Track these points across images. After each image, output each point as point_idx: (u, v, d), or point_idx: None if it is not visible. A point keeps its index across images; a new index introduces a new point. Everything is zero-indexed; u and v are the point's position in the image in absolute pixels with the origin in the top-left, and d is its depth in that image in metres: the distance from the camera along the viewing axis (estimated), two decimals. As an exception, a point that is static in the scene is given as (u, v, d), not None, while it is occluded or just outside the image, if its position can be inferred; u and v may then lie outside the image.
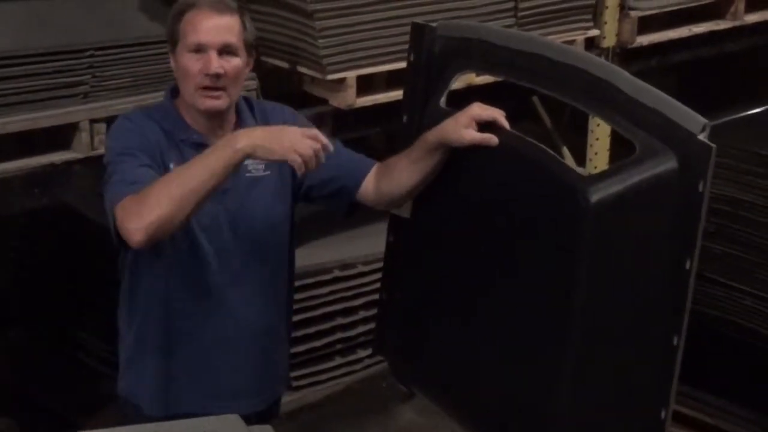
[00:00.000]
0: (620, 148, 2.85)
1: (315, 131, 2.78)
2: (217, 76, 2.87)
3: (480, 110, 2.90)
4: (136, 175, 2.79)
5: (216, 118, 2.96)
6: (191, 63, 2.88)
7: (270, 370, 3.15)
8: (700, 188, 2.56)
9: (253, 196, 2.98)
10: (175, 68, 2.95)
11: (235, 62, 2.91)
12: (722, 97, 5.08)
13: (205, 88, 2.88)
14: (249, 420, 2.63)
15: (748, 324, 4.09)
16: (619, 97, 2.74)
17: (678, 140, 2.61)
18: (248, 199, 2.97)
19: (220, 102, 2.91)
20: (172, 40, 2.94)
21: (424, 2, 4.11)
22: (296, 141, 2.72)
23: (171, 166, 2.89)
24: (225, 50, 2.89)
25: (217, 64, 2.87)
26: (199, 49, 2.88)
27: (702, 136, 2.56)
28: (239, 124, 3.00)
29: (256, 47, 3.05)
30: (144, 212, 2.70)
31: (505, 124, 2.89)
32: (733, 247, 4.12)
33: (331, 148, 2.80)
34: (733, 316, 4.12)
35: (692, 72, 5.70)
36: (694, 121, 2.59)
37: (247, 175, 2.97)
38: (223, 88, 2.89)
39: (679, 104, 2.65)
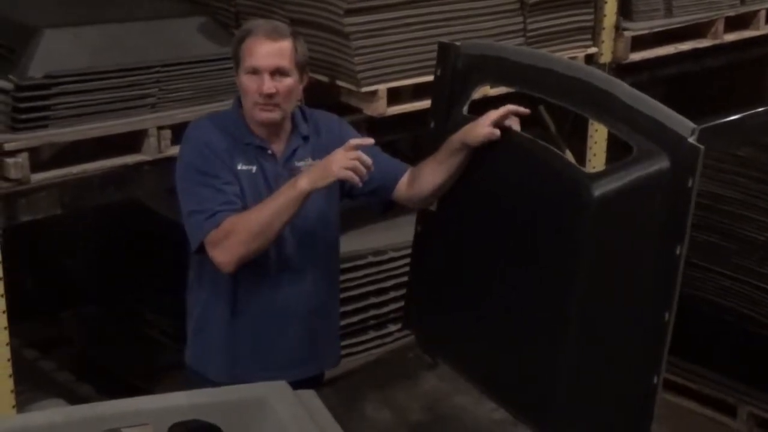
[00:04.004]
0: (615, 151, 2.84)
1: (351, 144, 2.83)
2: (270, 95, 2.89)
3: (496, 114, 2.92)
4: (217, 202, 2.87)
5: (273, 126, 2.98)
6: (249, 83, 2.92)
7: (319, 344, 3.17)
8: (690, 184, 2.55)
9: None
10: (238, 84, 2.97)
11: (287, 82, 2.92)
12: (704, 107, 5.06)
13: (260, 103, 2.91)
14: (298, 385, 2.67)
15: (725, 302, 4.08)
16: (618, 106, 2.74)
17: (670, 143, 2.61)
18: None
19: (273, 115, 2.93)
20: (236, 60, 2.96)
21: (444, 24, 4.08)
22: (340, 161, 2.79)
23: (239, 167, 2.94)
24: (277, 72, 2.91)
25: (270, 85, 2.89)
26: (255, 71, 2.90)
27: (692, 139, 2.56)
28: (294, 130, 3.03)
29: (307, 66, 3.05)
30: (231, 248, 2.84)
31: (521, 109, 2.91)
32: (713, 236, 4.11)
33: (369, 160, 2.83)
34: (712, 295, 4.11)
35: (678, 84, 5.67)
36: (685, 126, 2.59)
37: None
38: (276, 104, 2.92)
39: (671, 111, 2.64)
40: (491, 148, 2.91)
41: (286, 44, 2.94)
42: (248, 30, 2.97)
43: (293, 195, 2.83)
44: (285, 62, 2.93)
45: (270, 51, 2.91)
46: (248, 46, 2.93)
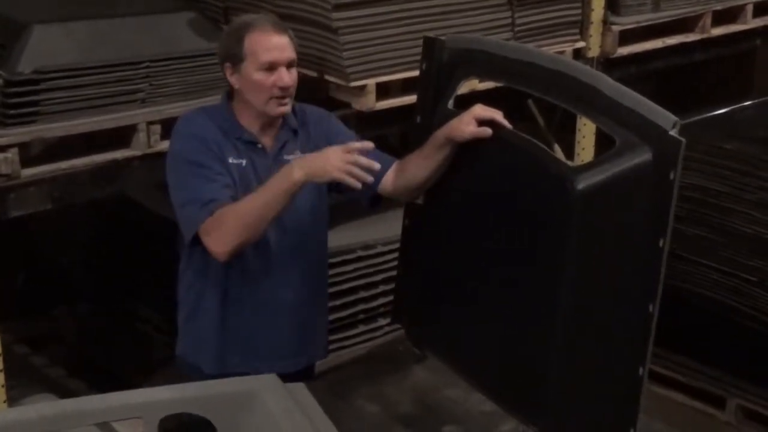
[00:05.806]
0: (604, 145, 2.85)
1: (351, 147, 2.84)
2: (286, 87, 2.92)
3: (481, 110, 2.92)
4: (210, 191, 2.87)
5: (268, 120, 3.00)
6: (264, 78, 2.91)
7: (309, 335, 3.19)
8: (671, 177, 2.56)
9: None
10: (241, 81, 2.94)
11: (295, 73, 2.97)
12: (692, 100, 5.09)
13: (278, 97, 2.93)
14: (289, 377, 2.69)
15: (713, 295, 4.09)
16: (602, 100, 2.75)
17: (652, 136, 2.62)
18: None
19: (288, 107, 2.97)
20: (235, 57, 2.93)
21: (433, 19, 4.10)
22: (337, 163, 2.79)
23: (230, 159, 2.95)
24: (289, 64, 2.93)
25: (288, 78, 2.92)
26: (272, 66, 2.90)
27: (673, 132, 2.57)
28: (284, 124, 3.05)
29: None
30: (225, 239, 2.84)
31: (505, 122, 2.91)
32: (701, 228, 4.11)
33: (369, 145, 2.86)
34: (701, 288, 4.12)
35: (666, 78, 5.69)
36: (666, 119, 2.60)
37: None
38: (290, 96, 2.95)
39: (653, 104, 2.66)
40: (476, 142, 2.91)
41: (289, 36, 2.97)
42: (247, 25, 2.95)
43: (286, 186, 2.82)
44: (294, 54, 2.96)
45: (282, 44, 2.93)
46: (257, 42, 2.91)
